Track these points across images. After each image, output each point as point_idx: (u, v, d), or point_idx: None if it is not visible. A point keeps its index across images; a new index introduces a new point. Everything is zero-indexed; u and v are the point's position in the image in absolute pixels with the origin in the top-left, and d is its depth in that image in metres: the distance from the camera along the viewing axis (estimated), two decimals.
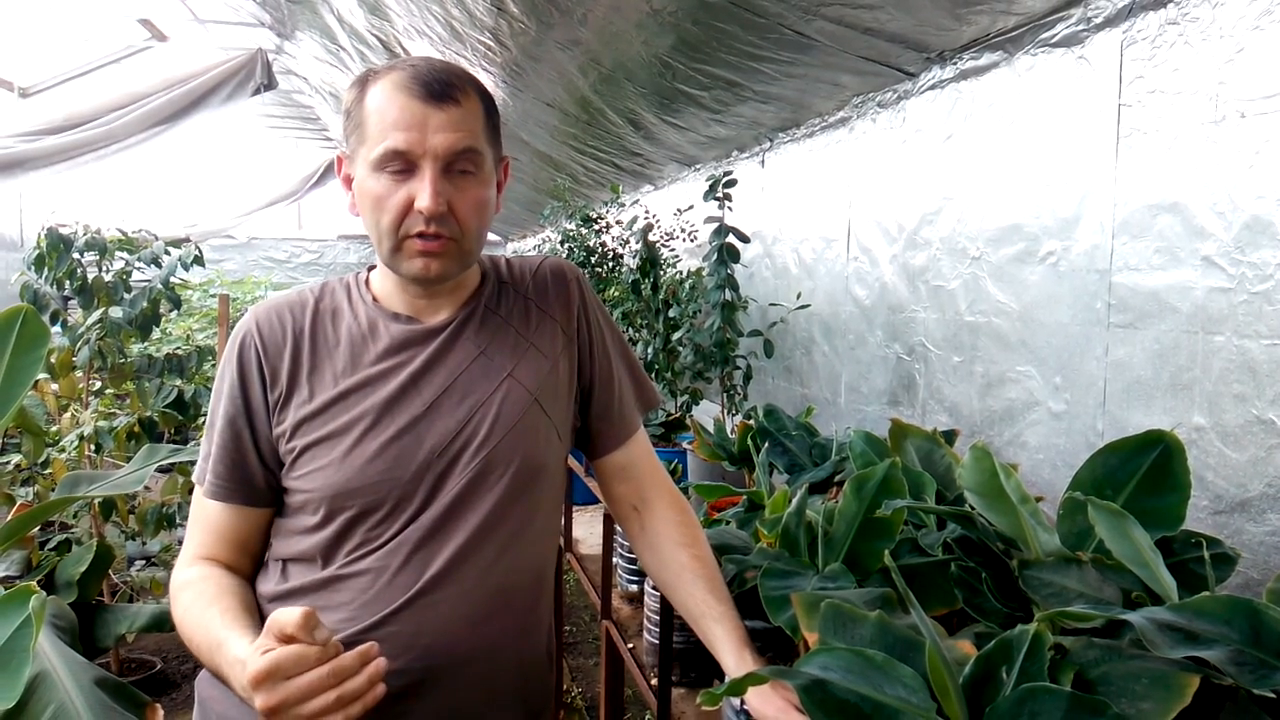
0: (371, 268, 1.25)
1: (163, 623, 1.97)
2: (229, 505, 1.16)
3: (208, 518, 1.17)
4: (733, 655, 1.14)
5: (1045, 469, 1.82)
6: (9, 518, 2.05)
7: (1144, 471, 1.14)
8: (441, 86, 1.08)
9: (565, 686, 3.54)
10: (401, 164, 1.07)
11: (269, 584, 1.17)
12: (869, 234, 2.51)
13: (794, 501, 1.34)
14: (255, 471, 1.15)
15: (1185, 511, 1.11)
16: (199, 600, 1.09)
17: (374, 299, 1.21)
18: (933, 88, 2.18)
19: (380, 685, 0.89)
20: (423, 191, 1.06)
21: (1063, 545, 1.12)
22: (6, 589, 1.66)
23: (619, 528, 1.55)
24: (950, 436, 1.73)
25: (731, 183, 2.75)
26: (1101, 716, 0.79)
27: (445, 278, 1.15)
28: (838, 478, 1.79)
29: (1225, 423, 1.43)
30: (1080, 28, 1.71)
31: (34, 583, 1.24)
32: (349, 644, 1.08)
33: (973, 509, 1.17)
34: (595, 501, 3.12)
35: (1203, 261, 1.47)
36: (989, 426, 1.99)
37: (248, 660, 0.89)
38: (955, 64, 2.07)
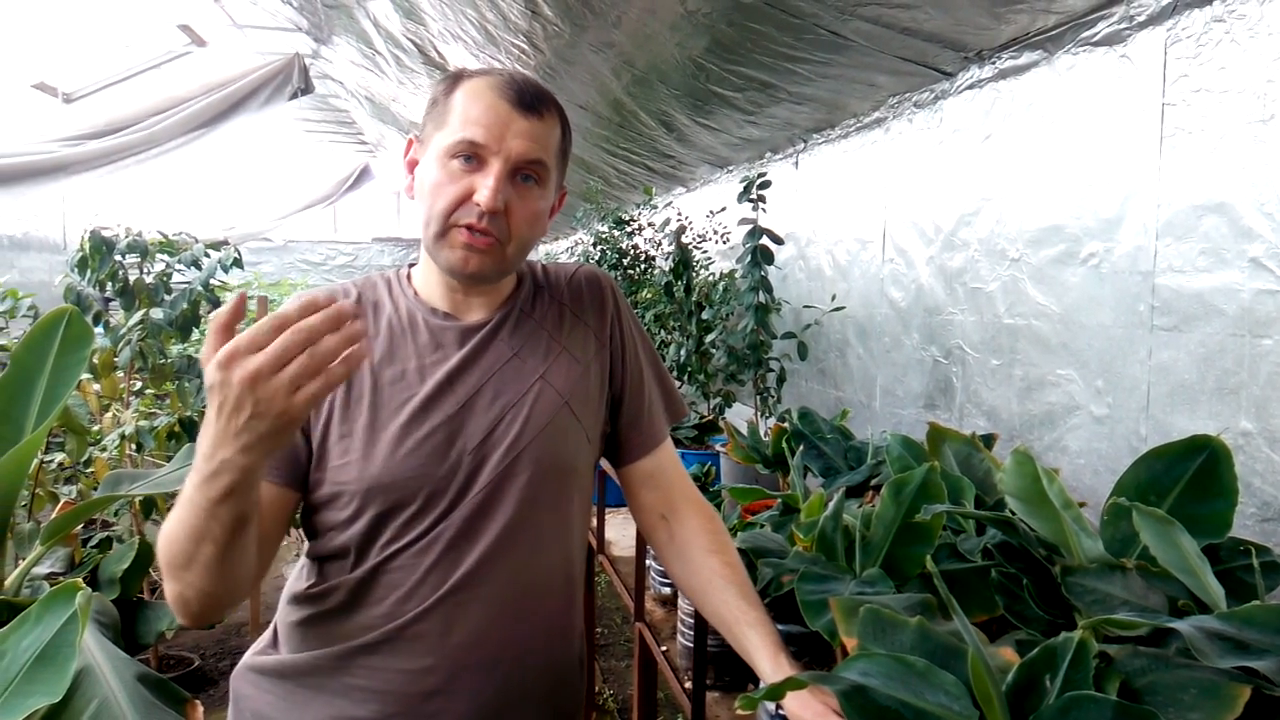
0: (412, 265, 1.26)
1: None
2: (264, 483, 1.07)
3: None
4: (768, 661, 1.13)
5: (1086, 474, 1.79)
6: (53, 515, 2.09)
7: (1189, 477, 1.12)
8: (531, 97, 1.11)
9: (597, 688, 3.54)
10: (473, 156, 1.10)
11: (302, 583, 1.17)
12: (905, 235, 2.49)
13: (831, 505, 1.33)
14: (300, 449, 1.13)
15: (1232, 518, 1.09)
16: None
17: (415, 293, 1.22)
18: (971, 87, 2.16)
19: (361, 338, 0.81)
20: (485, 186, 1.08)
21: (1106, 552, 1.10)
22: (52, 585, 1.70)
23: (646, 540, 1.54)
24: (989, 441, 1.71)
25: (766, 184, 2.74)
26: None
27: (480, 276, 1.15)
28: (873, 482, 1.78)
29: (1273, 428, 1.40)
30: (1122, 26, 1.69)
31: (80, 579, 1.26)
32: (381, 641, 1.09)
33: (1014, 514, 1.16)
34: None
35: (1250, 263, 1.44)
36: (1028, 431, 1.97)
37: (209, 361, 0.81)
38: (994, 63, 2.05)
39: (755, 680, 1.17)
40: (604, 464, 1.38)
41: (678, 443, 2.98)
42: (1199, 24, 1.52)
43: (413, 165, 1.19)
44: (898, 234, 2.54)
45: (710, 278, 3.34)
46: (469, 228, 1.10)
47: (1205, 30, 1.51)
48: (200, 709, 1.68)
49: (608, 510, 2.98)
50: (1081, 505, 1.23)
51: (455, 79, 1.15)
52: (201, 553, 0.94)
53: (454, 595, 1.10)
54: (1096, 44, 1.75)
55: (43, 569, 2.17)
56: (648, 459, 1.32)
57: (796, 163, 3.22)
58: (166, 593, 1.01)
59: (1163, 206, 1.61)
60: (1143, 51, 1.65)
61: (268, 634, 1.20)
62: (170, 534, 0.97)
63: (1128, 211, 1.69)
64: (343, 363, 0.80)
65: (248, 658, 1.19)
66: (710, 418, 3.19)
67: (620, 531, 2.96)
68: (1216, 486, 1.10)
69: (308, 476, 1.15)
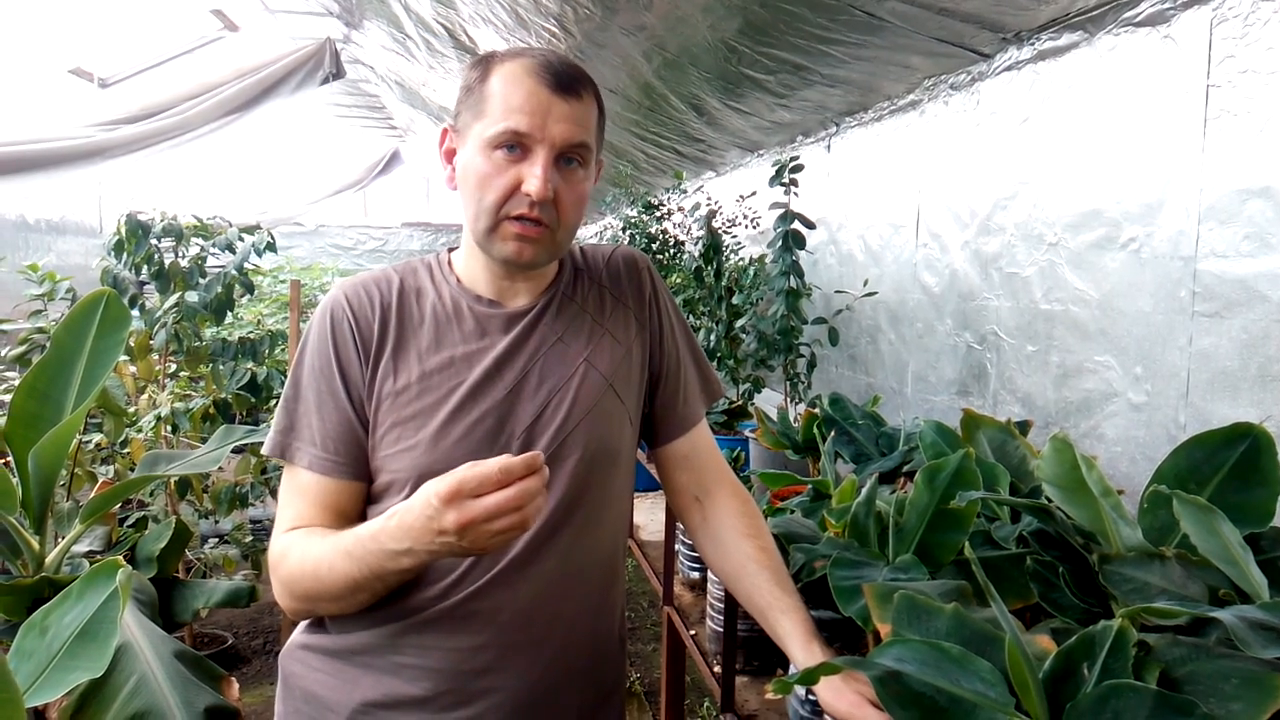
0: (452, 250, 1.26)
1: (238, 598, 2.02)
2: (338, 480, 1.13)
3: (307, 490, 1.14)
4: (801, 647, 1.14)
5: (1123, 462, 1.77)
6: (92, 495, 2.12)
7: (1230, 465, 1.10)
8: (569, 79, 1.10)
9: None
10: (517, 145, 1.09)
11: None
12: (939, 220, 2.46)
13: (864, 491, 1.32)
14: (365, 444, 1.15)
15: (1275, 507, 1.07)
16: (312, 544, 1.07)
17: (457, 280, 1.22)
18: (1009, 69, 2.12)
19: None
20: (533, 176, 1.08)
21: (1145, 540, 1.08)
22: (91, 563, 1.73)
23: (679, 521, 1.54)
24: (1024, 427, 1.69)
25: (798, 168, 2.72)
26: (1189, 717, 0.76)
27: (534, 264, 1.16)
28: (906, 468, 1.76)
29: None
30: (1166, 5, 1.65)
31: (120, 557, 1.28)
32: (431, 620, 1.11)
33: (1050, 501, 1.14)
34: (657, 488, 3.12)
35: None
36: (1065, 418, 1.95)
37: (432, 485, 0.92)
38: (1033, 44, 2.01)
39: (785, 665, 1.17)
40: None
41: None
42: (1246, 3, 1.49)
43: (450, 155, 1.18)
44: (932, 218, 2.51)
45: (740, 263, 3.33)
46: (520, 218, 1.10)
47: (1253, 9, 1.48)
48: (235, 686, 1.71)
49: (636, 494, 2.98)
50: (1120, 493, 1.21)
51: (487, 63, 1.13)
52: (355, 599, 1.07)
53: (504, 576, 1.12)
54: (1139, 24, 1.72)
55: (82, 547, 2.20)
56: (683, 440, 1.32)
57: (829, 146, 3.19)
58: (288, 608, 1.12)
59: (1205, 191, 1.58)
60: (1187, 31, 1.61)
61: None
62: (324, 578, 1.06)
63: (1169, 196, 1.66)
64: (539, 516, 0.92)
65: (297, 636, 1.22)
66: (740, 403, 3.18)
67: (649, 516, 2.97)
68: (1258, 475, 1.08)
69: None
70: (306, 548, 1.08)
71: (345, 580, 1.04)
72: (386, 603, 1.12)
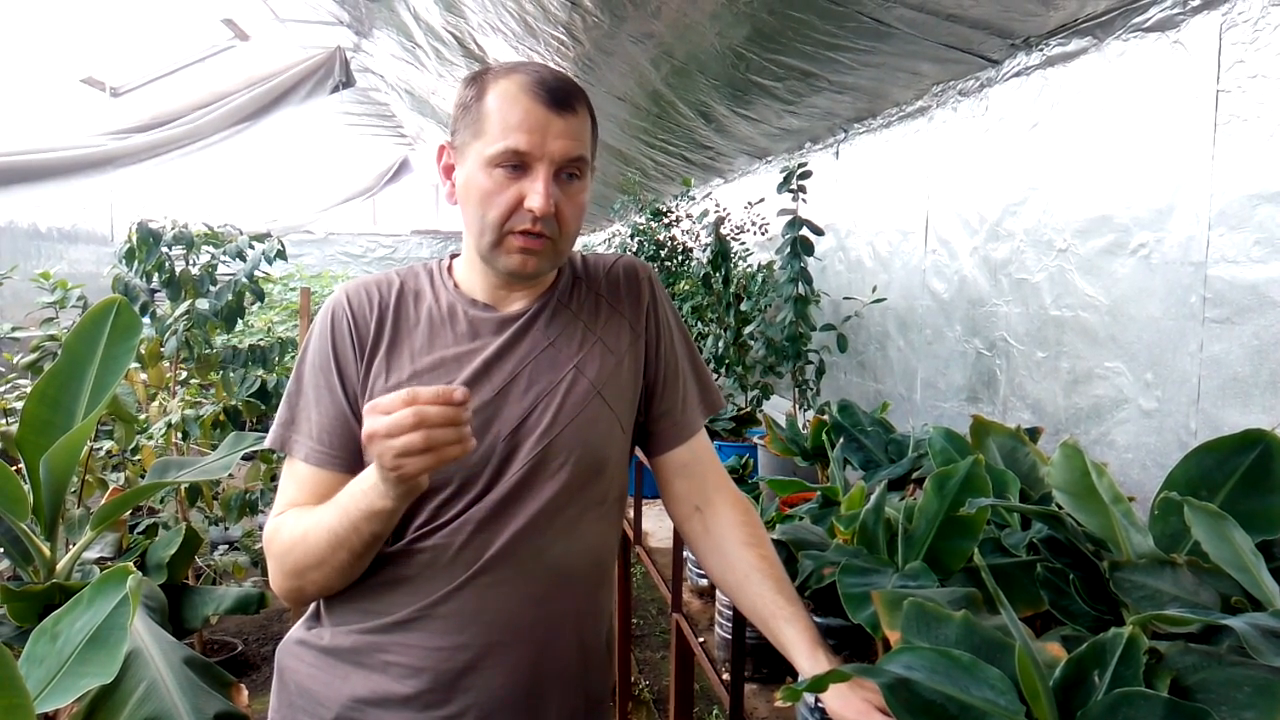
0: (454, 255, 1.28)
1: (248, 605, 2.03)
2: (332, 472, 1.17)
3: (303, 481, 1.18)
4: (807, 656, 1.13)
5: (1134, 469, 1.76)
6: (103, 501, 2.13)
7: (1242, 472, 1.09)
8: (564, 95, 1.13)
9: (633, 679, 3.55)
10: (517, 163, 1.11)
11: None
12: (948, 226, 2.46)
13: (873, 498, 1.32)
14: (358, 438, 1.16)
15: None
16: (306, 512, 1.11)
17: (455, 285, 1.24)
18: (1018, 75, 2.12)
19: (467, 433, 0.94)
20: (535, 192, 1.10)
21: (1156, 547, 1.08)
22: (101, 570, 1.73)
23: (679, 532, 1.54)
24: (1034, 434, 1.68)
25: (806, 174, 2.72)
26: None
27: (538, 274, 1.19)
28: (915, 475, 1.76)
29: None
30: (1176, 11, 1.65)
31: (130, 564, 1.29)
32: (415, 619, 1.13)
33: (1061, 508, 1.14)
34: None
35: None
36: (1075, 424, 1.94)
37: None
38: (1042, 50, 2.01)
39: (795, 673, 1.17)
40: (640, 455, 1.37)
41: (715, 435, 2.97)
42: (1256, 7, 1.48)
43: (449, 171, 1.21)
44: (941, 224, 2.51)
45: (748, 269, 3.33)
46: (524, 233, 1.13)
47: (1263, 14, 1.47)
48: (245, 692, 1.71)
49: (644, 501, 2.97)
50: (1130, 500, 1.20)
51: (481, 81, 1.16)
52: (336, 558, 1.09)
53: (483, 576, 1.13)
54: (1148, 29, 1.71)
55: (92, 554, 2.21)
56: (682, 449, 1.32)
57: (837, 153, 3.19)
58: (280, 587, 1.16)
59: (1216, 196, 1.57)
60: (1196, 37, 1.61)
61: (312, 609, 1.24)
62: (309, 539, 1.10)
63: (1179, 201, 1.65)
64: (459, 447, 0.93)
65: (293, 632, 1.24)
66: (748, 410, 3.18)
67: (657, 523, 2.96)
68: (1270, 482, 1.07)
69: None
70: (300, 517, 1.12)
71: (327, 535, 1.07)
72: (376, 603, 1.14)
